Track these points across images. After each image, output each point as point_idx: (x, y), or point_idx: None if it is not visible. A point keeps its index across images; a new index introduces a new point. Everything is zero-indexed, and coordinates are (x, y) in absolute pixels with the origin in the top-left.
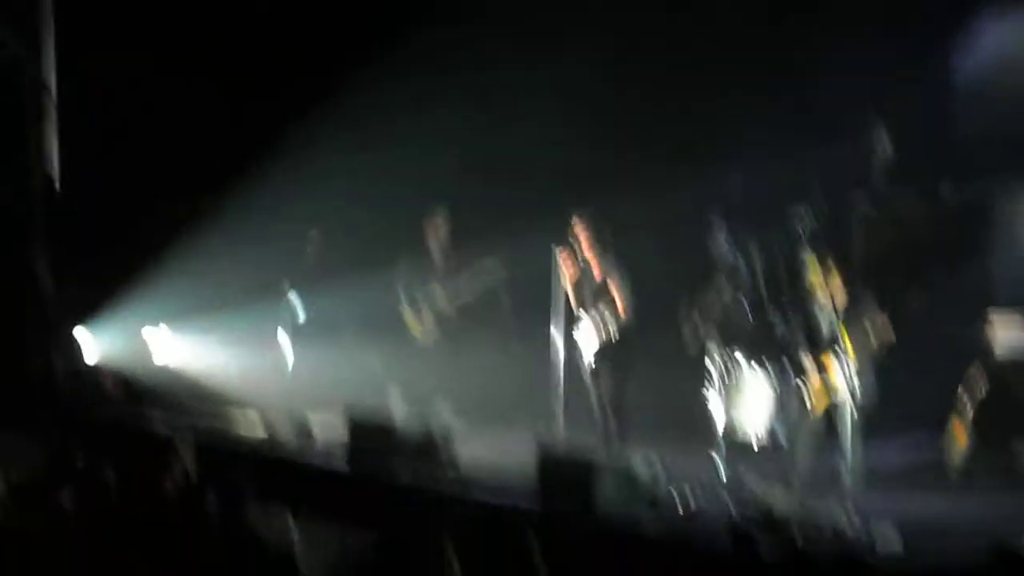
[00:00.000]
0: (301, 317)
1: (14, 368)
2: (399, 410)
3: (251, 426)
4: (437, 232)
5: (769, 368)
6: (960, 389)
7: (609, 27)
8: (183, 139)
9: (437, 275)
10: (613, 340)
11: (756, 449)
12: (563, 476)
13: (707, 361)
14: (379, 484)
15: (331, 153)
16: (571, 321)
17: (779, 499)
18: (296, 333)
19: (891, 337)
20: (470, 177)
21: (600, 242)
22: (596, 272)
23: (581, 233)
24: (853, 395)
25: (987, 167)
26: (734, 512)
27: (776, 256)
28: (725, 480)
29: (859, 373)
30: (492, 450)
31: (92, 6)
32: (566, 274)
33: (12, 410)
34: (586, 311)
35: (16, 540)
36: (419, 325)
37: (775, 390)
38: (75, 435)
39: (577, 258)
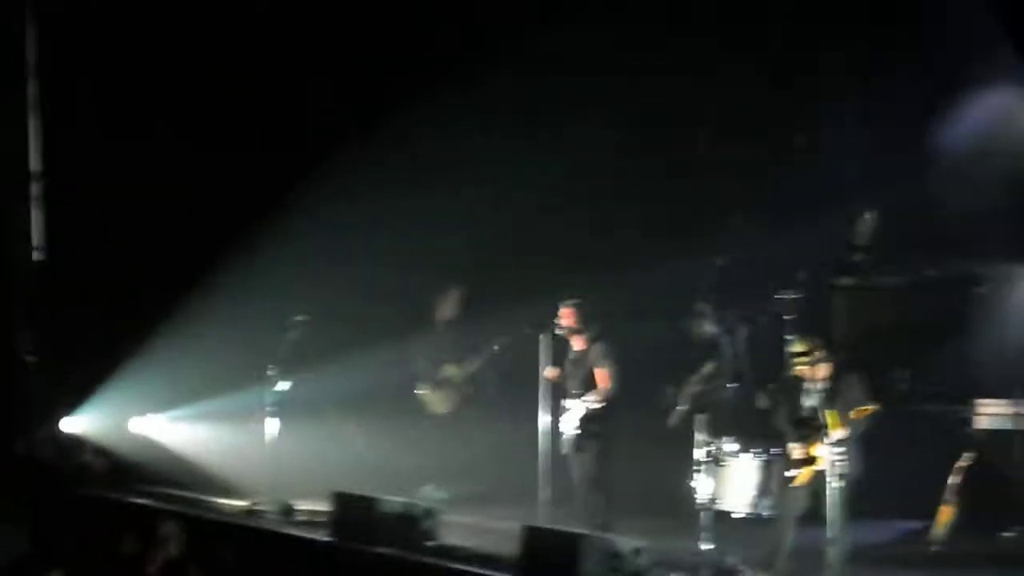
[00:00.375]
0: (285, 399)
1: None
2: (383, 485)
3: (236, 503)
4: (448, 308)
5: (753, 444)
6: (947, 470)
7: (602, 112)
8: (170, 220)
9: (446, 351)
10: (596, 420)
11: (740, 525)
12: (546, 551)
13: (692, 438)
14: (362, 556)
15: (317, 235)
16: (557, 401)
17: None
18: (280, 414)
19: (874, 414)
20: (457, 259)
21: (586, 324)
22: (581, 354)
23: (567, 315)
24: (837, 471)
25: (971, 247)
26: None
27: (761, 334)
28: (708, 556)
29: (842, 450)
30: (476, 526)
31: (79, 86)
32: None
33: None
34: (571, 392)
35: None
36: (440, 401)
37: (759, 466)
38: (62, 515)
39: (563, 340)
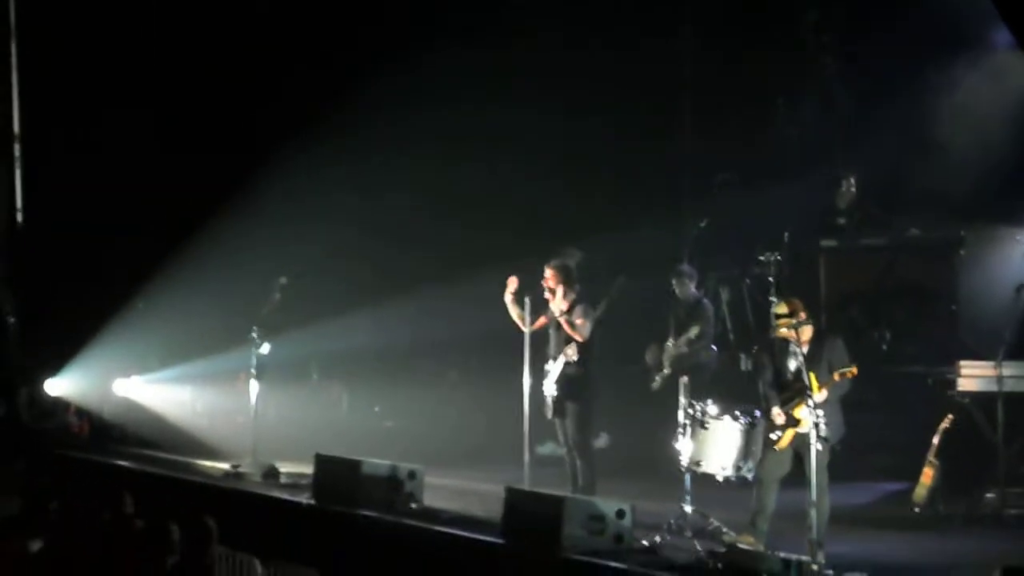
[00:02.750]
0: (268, 361)
1: None
2: (366, 449)
3: (218, 465)
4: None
5: (736, 407)
6: (929, 432)
7: (578, 72)
8: (153, 184)
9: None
10: (575, 381)
11: (722, 487)
12: (529, 514)
13: (676, 401)
14: (345, 519)
15: (298, 199)
16: (541, 365)
17: (743, 537)
18: (263, 376)
19: (856, 376)
20: (440, 222)
21: (570, 288)
22: (564, 317)
23: (551, 279)
24: (819, 434)
25: (955, 212)
26: (699, 549)
27: (743, 296)
28: (690, 517)
29: (823, 409)
30: (460, 488)
31: (60, 51)
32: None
33: None
34: (554, 355)
35: None
36: None
37: (742, 429)
38: (45, 478)
39: (547, 304)
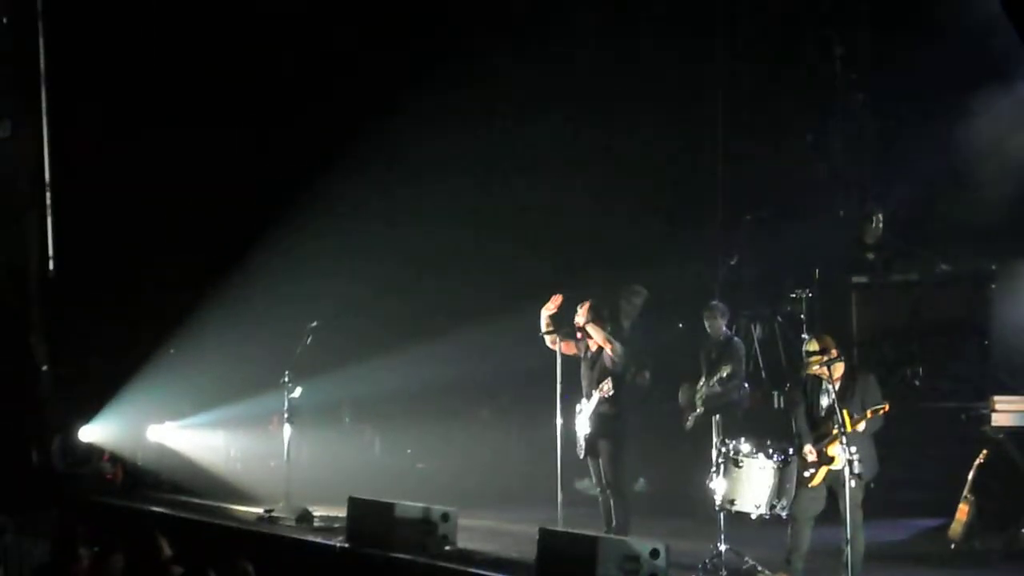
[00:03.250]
0: (300, 405)
1: (14, 459)
2: (399, 491)
3: (252, 509)
4: (633, 310)
5: (769, 445)
6: (964, 468)
7: (614, 110)
8: (184, 229)
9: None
10: (608, 420)
11: (757, 525)
12: (563, 554)
13: (709, 440)
14: (379, 562)
15: (327, 240)
16: (573, 403)
17: (779, 575)
18: (295, 420)
19: (887, 411)
20: (470, 258)
21: (600, 325)
22: (596, 353)
23: (582, 316)
24: (853, 471)
25: (986, 246)
26: None
27: (775, 335)
28: (725, 556)
29: (857, 446)
30: (493, 529)
31: (88, 94)
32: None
33: (14, 501)
34: (587, 394)
35: None
36: None
37: (776, 467)
38: (77, 524)
39: (578, 341)
